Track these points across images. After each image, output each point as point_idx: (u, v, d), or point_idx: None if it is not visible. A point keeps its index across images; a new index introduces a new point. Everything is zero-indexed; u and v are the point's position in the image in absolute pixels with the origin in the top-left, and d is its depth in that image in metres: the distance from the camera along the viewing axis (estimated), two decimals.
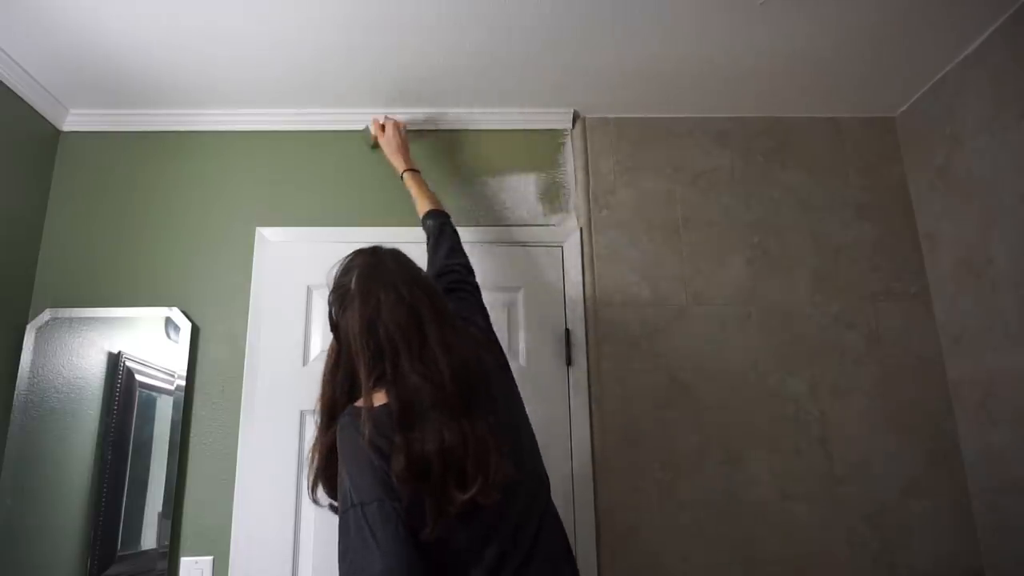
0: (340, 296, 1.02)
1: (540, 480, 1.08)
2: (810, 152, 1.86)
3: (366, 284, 0.99)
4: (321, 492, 1.00)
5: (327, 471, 0.98)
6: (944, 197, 1.70)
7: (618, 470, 1.61)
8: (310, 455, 1.02)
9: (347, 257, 1.07)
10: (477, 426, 0.92)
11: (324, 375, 1.04)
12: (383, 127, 1.69)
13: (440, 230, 1.44)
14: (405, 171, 1.62)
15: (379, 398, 0.95)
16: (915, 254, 1.79)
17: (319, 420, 1.03)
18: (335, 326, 1.03)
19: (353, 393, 0.99)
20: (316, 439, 1.02)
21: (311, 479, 1.01)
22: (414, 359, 0.94)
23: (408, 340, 0.95)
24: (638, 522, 1.58)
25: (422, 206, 1.53)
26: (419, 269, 1.08)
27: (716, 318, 1.72)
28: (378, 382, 0.95)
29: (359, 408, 0.95)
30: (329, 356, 1.05)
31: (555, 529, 1.06)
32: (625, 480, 1.60)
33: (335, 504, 0.97)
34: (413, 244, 1.73)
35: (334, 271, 1.06)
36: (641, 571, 1.55)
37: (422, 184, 1.59)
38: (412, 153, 1.76)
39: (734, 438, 1.64)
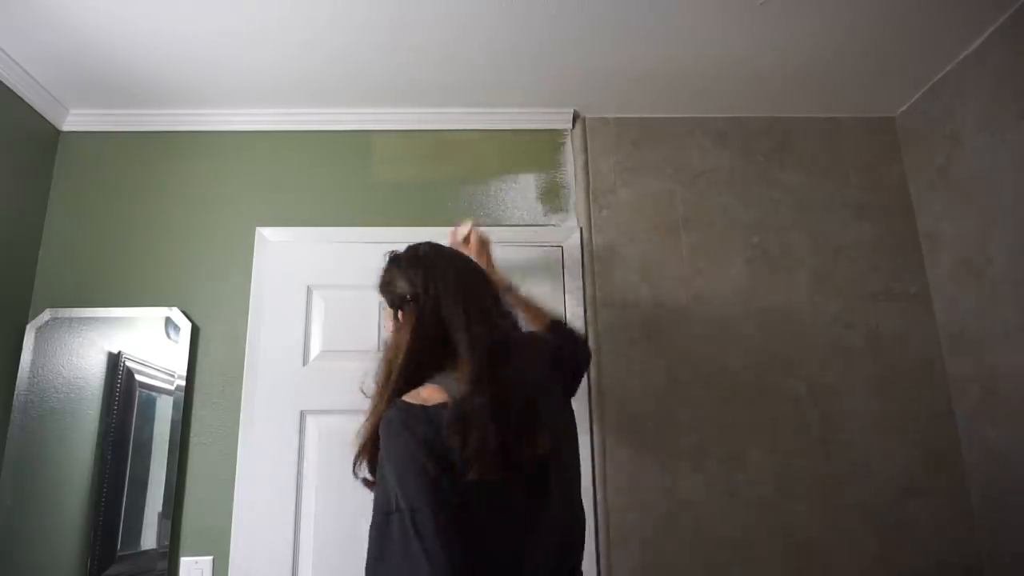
0: (427, 267, 1.03)
1: (580, 519, 1.07)
2: (810, 152, 1.86)
3: (464, 273, 1.04)
4: (363, 466, 0.99)
5: (372, 449, 0.96)
6: (944, 197, 1.70)
7: (618, 470, 1.61)
8: (360, 429, 1.00)
9: (413, 245, 1.10)
10: (537, 430, 0.94)
11: (388, 356, 1.02)
12: (468, 237, 1.43)
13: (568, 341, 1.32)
14: (505, 291, 1.34)
15: (437, 394, 0.93)
16: (915, 254, 1.79)
17: (380, 388, 1.00)
18: (399, 305, 1.03)
19: (418, 375, 0.97)
20: (370, 413, 1.00)
21: (356, 453, 0.99)
22: (484, 365, 0.94)
23: (481, 345, 0.96)
24: (638, 522, 1.58)
25: (536, 322, 1.37)
26: (477, 264, 1.14)
27: (716, 318, 1.72)
28: (435, 374, 0.96)
29: (413, 405, 0.92)
30: (401, 331, 1.02)
31: None
32: (625, 480, 1.60)
33: (369, 479, 0.97)
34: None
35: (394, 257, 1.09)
36: (641, 571, 1.55)
37: (527, 300, 1.39)
38: (412, 153, 1.76)
39: (734, 438, 1.64)
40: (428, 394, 0.94)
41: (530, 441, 0.91)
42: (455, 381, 0.94)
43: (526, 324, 1.34)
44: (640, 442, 1.63)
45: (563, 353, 1.22)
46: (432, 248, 1.09)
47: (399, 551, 0.82)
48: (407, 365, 0.98)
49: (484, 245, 1.43)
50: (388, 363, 1.01)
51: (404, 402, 0.93)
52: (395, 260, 1.09)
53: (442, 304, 0.99)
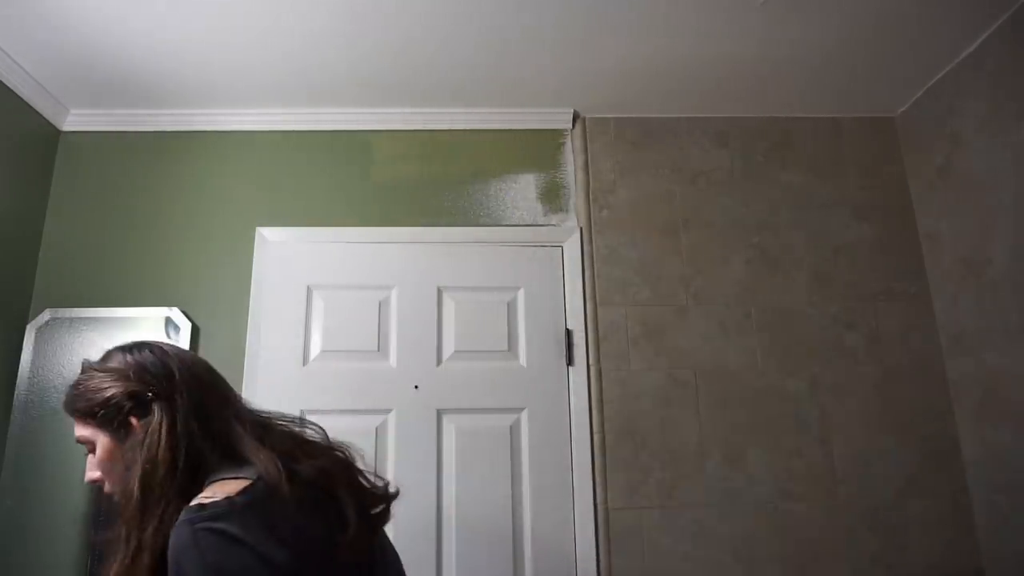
0: (156, 353, 0.83)
1: None
2: (810, 152, 1.86)
3: (177, 363, 0.83)
4: None
5: None
6: (944, 197, 1.70)
7: (618, 470, 1.61)
8: None
9: (151, 347, 0.85)
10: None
11: (149, 468, 0.72)
12: None
13: None
14: None
15: (229, 485, 0.71)
16: (915, 254, 1.79)
17: (133, 523, 0.71)
18: (157, 392, 0.78)
19: (190, 490, 0.72)
20: (123, 560, 0.71)
21: None
22: (259, 450, 0.76)
23: (252, 432, 0.80)
24: (638, 522, 1.58)
25: None
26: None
27: (716, 318, 1.72)
28: (240, 462, 0.75)
29: (217, 502, 0.67)
30: (156, 443, 0.74)
31: None
32: (625, 480, 1.60)
33: None
34: (414, 244, 1.75)
35: (125, 358, 0.82)
36: (641, 571, 1.55)
37: None
38: (412, 153, 1.75)
39: (734, 438, 1.64)
40: (222, 490, 0.69)
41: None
42: (253, 465, 0.73)
43: None
44: (640, 442, 1.63)
45: None
46: (140, 342, 0.87)
47: None
48: (170, 481, 0.72)
49: None
50: (141, 486, 0.71)
51: (199, 504, 0.67)
52: (90, 365, 0.83)
53: (194, 395, 0.79)
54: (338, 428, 1.61)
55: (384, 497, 0.84)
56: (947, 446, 1.65)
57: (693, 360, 1.69)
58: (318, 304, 1.69)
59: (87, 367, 0.83)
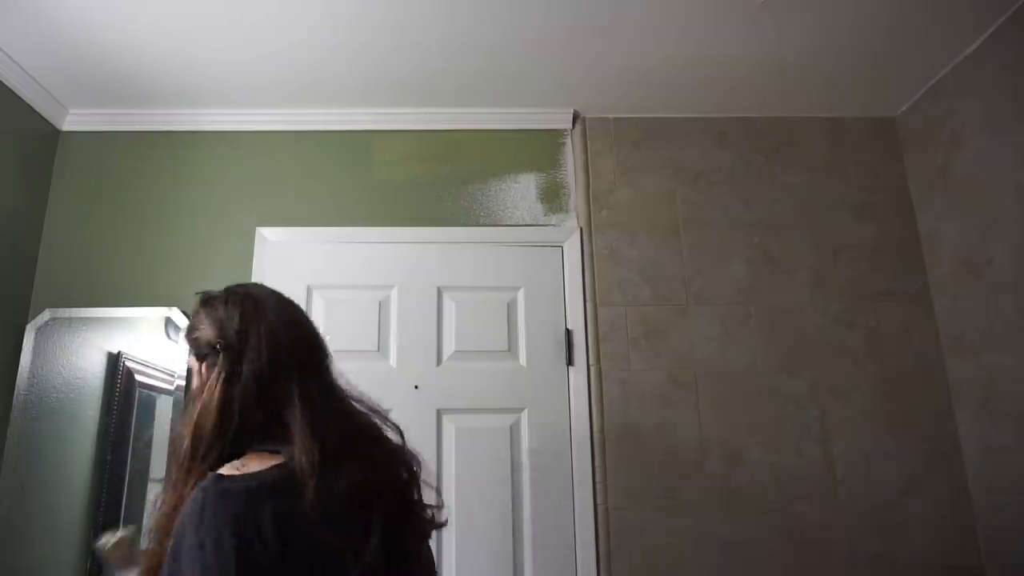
0: (245, 308, 0.81)
1: None
2: (810, 152, 1.86)
3: (295, 323, 0.84)
4: None
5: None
6: (944, 197, 1.70)
7: (618, 470, 1.61)
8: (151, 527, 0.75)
9: (233, 288, 0.86)
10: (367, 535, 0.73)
11: (202, 417, 0.75)
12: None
13: None
14: None
15: (264, 459, 0.72)
16: (915, 254, 1.79)
17: (182, 468, 0.74)
18: (201, 356, 0.80)
19: (234, 452, 0.74)
20: (163, 507, 0.74)
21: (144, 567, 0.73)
22: (309, 430, 0.74)
23: (306, 402, 0.76)
24: (638, 522, 1.58)
25: None
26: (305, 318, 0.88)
27: (716, 318, 1.72)
28: (271, 438, 0.74)
29: (235, 476, 0.69)
30: (208, 391, 0.76)
31: None
32: (625, 480, 1.60)
33: None
34: (414, 244, 1.75)
35: (218, 311, 0.82)
36: (641, 571, 1.55)
37: None
38: (413, 153, 1.75)
39: (734, 438, 1.64)
40: (254, 463, 0.72)
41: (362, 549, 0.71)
42: (289, 446, 0.73)
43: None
44: (640, 442, 1.63)
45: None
46: (257, 287, 0.87)
47: None
48: (219, 434, 0.74)
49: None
50: (192, 433, 0.74)
51: (219, 474, 0.70)
52: (205, 300, 0.84)
53: (262, 357, 0.77)
54: None
55: (425, 529, 0.81)
56: (947, 446, 1.65)
57: (693, 360, 1.69)
58: (318, 304, 1.69)
59: (203, 299, 0.85)
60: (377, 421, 0.85)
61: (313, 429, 0.74)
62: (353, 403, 0.84)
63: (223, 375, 0.76)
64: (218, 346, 0.78)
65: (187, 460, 0.73)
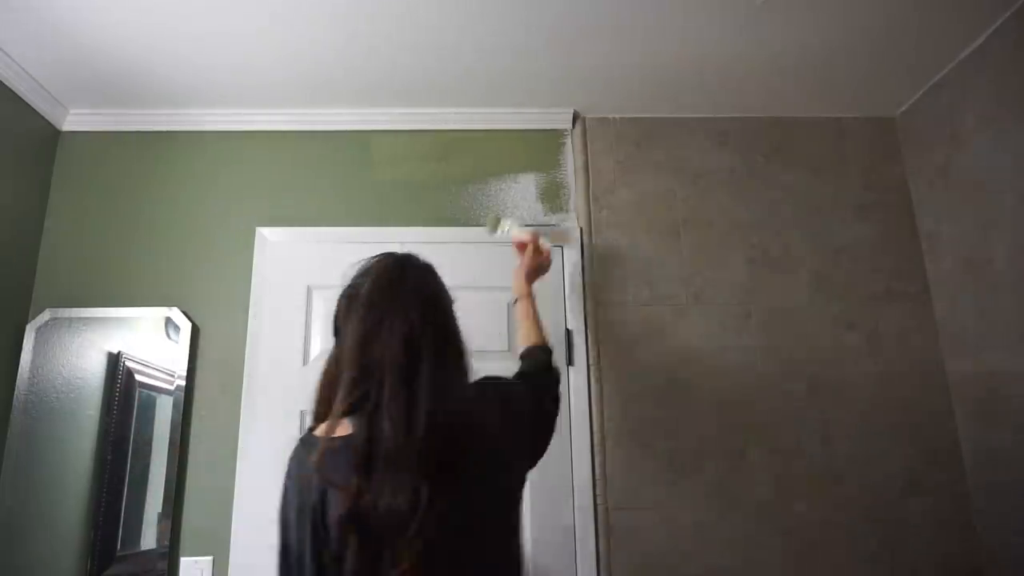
0: (348, 298, 0.92)
1: None
2: (810, 152, 1.86)
3: (377, 296, 0.89)
4: None
5: None
6: (944, 197, 1.70)
7: (618, 470, 1.61)
8: None
9: (373, 257, 0.95)
10: (435, 498, 0.77)
11: (320, 379, 0.92)
12: (529, 245, 1.47)
13: (532, 383, 1.18)
14: (520, 298, 1.39)
15: (342, 428, 0.83)
16: (915, 254, 1.79)
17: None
18: (337, 330, 0.94)
19: (328, 410, 0.87)
20: None
21: None
22: (395, 397, 0.81)
23: (397, 373, 0.83)
24: (638, 522, 1.58)
25: (524, 338, 1.31)
26: (443, 294, 0.96)
27: (716, 318, 1.72)
28: (353, 407, 0.83)
29: (315, 437, 0.84)
30: (326, 362, 0.92)
31: None
32: (625, 480, 1.60)
33: None
34: (413, 244, 1.74)
35: (355, 268, 0.95)
36: (641, 571, 1.55)
37: (529, 318, 1.35)
38: (412, 153, 1.75)
39: (734, 438, 1.64)
40: (341, 426, 0.83)
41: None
42: (365, 418, 0.82)
43: (518, 334, 1.34)
44: (640, 442, 1.63)
45: (523, 419, 1.04)
46: (371, 273, 0.93)
47: None
48: (319, 398, 0.89)
49: (539, 254, 1.47)
50: (316, 390, 0.91)
51: (311, 434, 0.86)
52: (352, 276, 0.95)
53: (352, 345, 0.86)
54: None
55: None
56: (947, 446, 1.65)
57: (693, 360, 1.69)
58: (318, 304, 1.69)
59: (358, 269, 0.96)
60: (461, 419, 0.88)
61: (392, 399, 0.82)
62: (454, 393, 0.89)
63: (334, 349, 0.93)
64: (336, 324, 0.94)
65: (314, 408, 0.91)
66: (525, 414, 1.04)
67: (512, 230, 1.58)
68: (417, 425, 0.80)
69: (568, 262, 1.76)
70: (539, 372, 1.21)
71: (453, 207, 1.80)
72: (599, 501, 1.59)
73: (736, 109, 1.86)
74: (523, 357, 1.25)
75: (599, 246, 1.77)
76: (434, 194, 1.81)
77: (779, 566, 1.57)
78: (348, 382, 0.84)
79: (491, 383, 1.02)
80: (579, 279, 1.74)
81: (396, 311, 0.87)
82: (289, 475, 0.85)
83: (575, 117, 1.87)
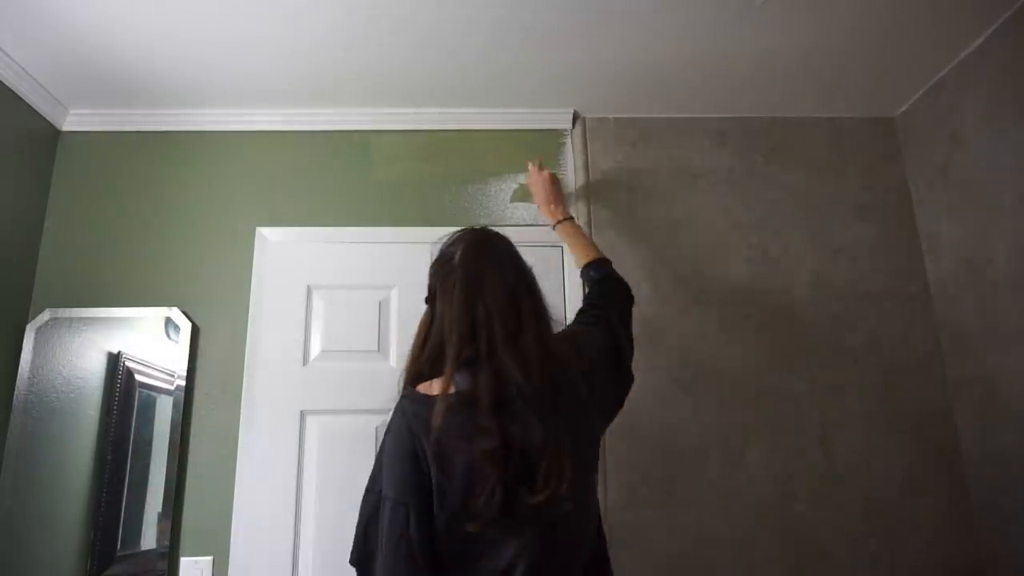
0: (442, 266, 0.99)
1: (590, 521, 0.98)
2: (810, 152, 1.86)
3: (473, 259, 0.96)
4: None
5: None
6: (944, 197, 1.70)
7: (618, 470, 1.61)
8: None
9: (456, 231, 1.03)
10: (559, 430, 0.86)
11: (412, 349, 0.99)
12: (535, 177, 1.62)
13: (601, 282, 1.31)
14: (558, 222, 1.53)
15: (446, 384, 0.89)
16: (915, 254, 1.79)
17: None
18: (431, 296, 1.00)
19: (436, 369, 0.93)
20: None
21: None
22: (509, 344, 0.89)
23: (506, 324, 0.90)
24: (638, 522, 1.58)
25: (580, 256, 1.42)
26: (524, 261, 1.03)
27: (716, 318, 1.72)
28: (464, 364, 0.90)
29: (421, 394, 0.92)
30: (419, 329, 1.00)
31: None
32: (625, 480, 1.60)
33: None
34: (414, 244, 1.74)
35: (440, 242, 1.02)
36: (641, 571, 1.55)
37: (577, 233, 1.51)
38: (412, 153, 1.75)
39: (734, 438, 1.64)
40: (436, 386, 0.91)
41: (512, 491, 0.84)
42: (485, 367, 0.89)
43: (576, 256, 1.45)
44: (640, 442, 1.63)
45: (604, 354, 1.12)
46: (462, 241, 1.00)
47: (374, 529, 0.87)
48: (413, 361, 0.97)
49: (550, 178, 1.60)
50: (410, 351, 1.00)
51: (415, 391, 0.93)
52: (440, 247, 1.03)
53: (458, 304, 0.93)
54: (338, 428, 1.62)
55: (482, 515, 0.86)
56: (947, 446, 1.65)
57: (693, 360, 1.69)
58: (318, 304, 1.69)
59: (445, 241, 1.02)
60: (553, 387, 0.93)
61: (507, 347, 0.89)
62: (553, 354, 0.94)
63: (428, 312, 1.02)
64: (429, 290, 1.01)
65: (404, 370, 0.99)
66: (602, 361, 1.10)
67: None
68: (534, 367, 0.88)
69: (568, 262, 1.75)
70: (613, 291, 1.29)
71: (453, 207, 1.80)
72: (599, 501, 1.58)
73: (735, 109, 1.86)
74: (590, 272, 1.36)
75: (599, 246, 1.76)
76: (434, 194, 1.81)
77: (779, 567, 1.57)
78: (458, 338, 0.90)
79: (568, 335, 1.12)
80: (579, 279, 1.73)
81: (493, 270, 0.95)
82: (394, 433, 0.90)
83: (575, 117, 1.87)
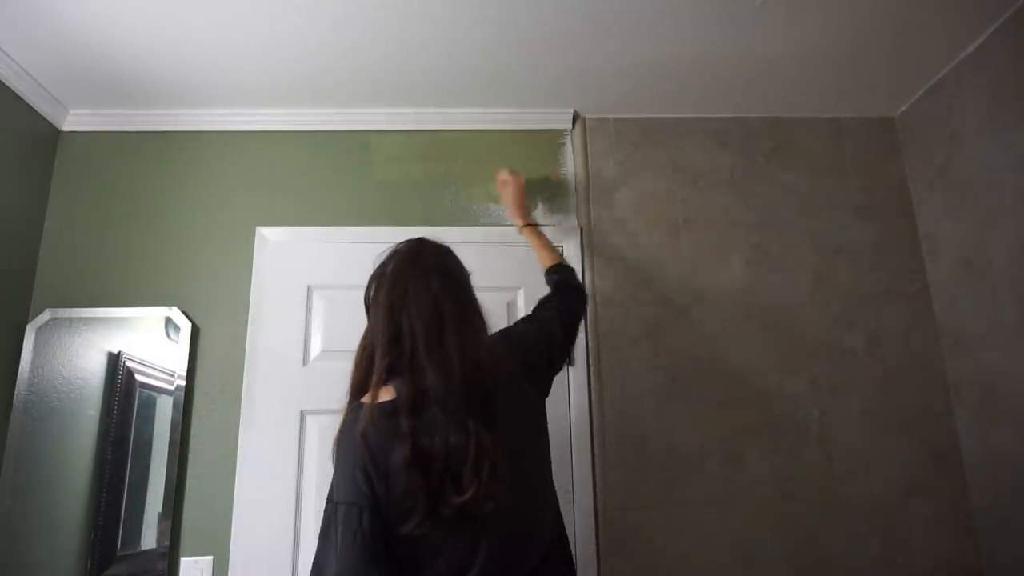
0: (376, 277, 1.04)
1: (543, 510, 1.03)
2: (810, 152, 1.86)
3: (400, 269, 1.01)
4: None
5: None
6: (944, 197, 1.70)
7: (618, 470, 1.61)
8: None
9: (399, 243, 1.08)
10: (482, 432, 0.90)
11: (355, 357, 1.01)
12: (507, 181, 1.67)
13: (557, 284, 1.42)
14: (523, 226, 1.63)
15: (385, 393, 0.93)
16: (915, 254, 1.79)
17: (347, 401, 1.01)
18: (368, 308, 1.04)
19: (370, 379, 0.96)
20: None
21: None
22: (430, 352, 0.92)
23: (427, 333, 0.94)
24: (638, 522, 1.58)
25: (545, 260, 1.52)
26: (460, 268, 1.07)
27: (716, 318, 1.72)
28: (391, 373, 0.94)
29: (358, 403, 0.94)
30: (361, 338, 1.02)
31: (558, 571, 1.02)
32: (625, 480, 1.60)
33: None
34: None
35: (381, 257, 1.07)
36: (641, 571, 1.55)
37: (542, 238, 1.59)
38: (412, 153, 1.75)
39: (734, 438, 1.64)
40: (384, 392, 0.94)
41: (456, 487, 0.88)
42: (407, 375, 0.93)
43: (539, 259, 1.54)
44: (640, 442, 1.63)
45: (554, 336, 1.21)
46: (396, 253, 1.05)
47: (325, 541, 0.88)
48: (355, 371, 0.99)
49: (519, 185, 1.65)
50: (353, 367, 1.01)
51: (359, 402, 0.95)
52: (381, 259, 1.08)
53: (383, 315, 0.97)
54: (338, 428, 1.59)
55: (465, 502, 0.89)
56: (947, 446, 1.65)
57: (693, 360, 1.69)
58: (318, 304, 1.69)
59: (384, 255, 1.06)
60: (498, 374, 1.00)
61: (428, 355, 0.93)
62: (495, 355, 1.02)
63: (368, 324, 1.03)
64: (366, 303, 1.05)
65: (350, 387, 1.00)
66: (542, 351, 1.18)
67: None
68: (454, 373, 0.91)
69: (568, 262, 1.75)
70: (565, 293, 1.39)
71: (453, 207, 1.80)
72: (599, 501, 1.59)
73: (736, 109, 1.86)
74: (552, 276, 1.45)
75: (599, 246, 1.77)
76: (434, 194, 1.81)
77: (779, 566, 1.57)
78: (384, 346, 0.94)
79: (508, 332, 1.20)
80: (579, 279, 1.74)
81: (419, 279, 0.98)
82: (339, 443, 0.93)
83: (575, 117, 1.87)
